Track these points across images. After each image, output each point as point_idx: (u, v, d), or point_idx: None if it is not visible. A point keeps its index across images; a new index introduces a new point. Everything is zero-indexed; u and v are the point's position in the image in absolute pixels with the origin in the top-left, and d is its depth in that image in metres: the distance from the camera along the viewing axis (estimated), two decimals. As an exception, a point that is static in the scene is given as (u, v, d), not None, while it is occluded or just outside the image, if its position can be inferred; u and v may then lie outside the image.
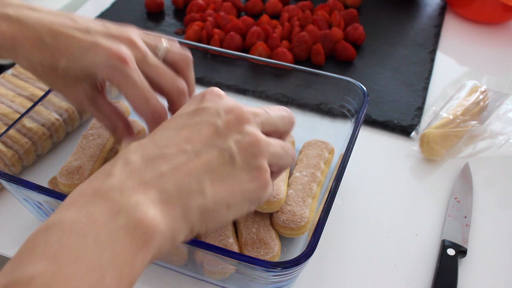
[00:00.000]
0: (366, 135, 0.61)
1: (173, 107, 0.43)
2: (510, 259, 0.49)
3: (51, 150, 0.56)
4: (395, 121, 0.62)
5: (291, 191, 0.47)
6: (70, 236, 0.27)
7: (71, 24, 0.41)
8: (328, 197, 0.41)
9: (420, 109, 0.64)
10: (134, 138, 0.44)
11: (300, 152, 0.52)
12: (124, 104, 0.56)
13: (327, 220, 0.40)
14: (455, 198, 0.53)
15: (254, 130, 0.35)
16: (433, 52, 0.75)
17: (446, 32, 0.80)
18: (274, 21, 0.76)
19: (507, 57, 0.76)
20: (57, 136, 0.56)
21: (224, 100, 0.37)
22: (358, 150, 0.49)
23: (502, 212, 0.53)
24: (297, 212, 0.45)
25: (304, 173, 0.49)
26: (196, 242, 0.38)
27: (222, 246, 0.43)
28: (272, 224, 0.46)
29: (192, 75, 0.45)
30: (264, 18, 0.76)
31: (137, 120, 0.55)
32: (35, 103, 0.51)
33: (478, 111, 0.60)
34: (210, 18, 0.75)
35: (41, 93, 0.58)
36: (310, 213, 0.46)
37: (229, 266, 0.41)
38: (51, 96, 0.53)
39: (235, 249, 0.43)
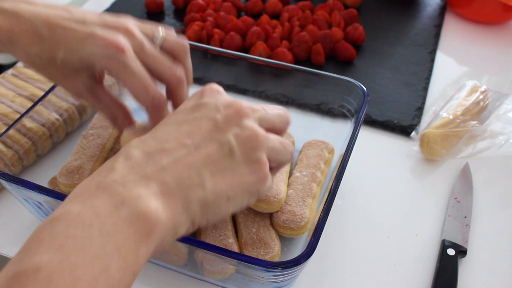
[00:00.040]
0: (366, 135, 0.61)
1: (172, 95, 0.43)
2: (510, 259, 0.49)
3: (51, 150, 0.56)
4: (395, 121, 0.62)
5: (291, 191, 0.47)
6: (75, 227, 0.28)
7: (67, 16, 0.41)
8: (328, 197, 0.41)
9: (420, 109, 0.64)
10: (135, 127, 0.44)
11: (300, 152, 0.52)
12: None
13: (327, 220, 0.40)
14: (455, 198, 0.53)
15: (252, 124, 0.36)
16: (433, 52, 0.75)
17: (446, 32, 0.80)
18: (274, 21, 0.76)
19: (507, 57, 0.76)
20: (57, 136, 0.56)
21: (223, 95, 0.38)
22: (358, 150, 0.49)
23: (502, 212, 0.53)
24: (297, 212, 0.45)
25: (304, 173, 0.49)
26: (196, 242, 0.38)
27: (222, 246, 0.43)
28: (272, 224, 0.46)
29: (189, 62, 0.45)
30: (264, 18, 0.76)
31: (137, 121, 0.55)
32: (35, 103, 0.51)
33: (478, 111, 0.60)
34: (210, 18, 0.75)
35: (41, 93, 0.58)
36: (310, 213, 0.45)
37: (229, 266, 0.41)
38: (51, 96, 0.53)
39: (235, 249, 0.43)
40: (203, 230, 0.45)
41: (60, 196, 0.41)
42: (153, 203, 0.30)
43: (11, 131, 0.50)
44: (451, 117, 0.59)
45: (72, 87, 0.43)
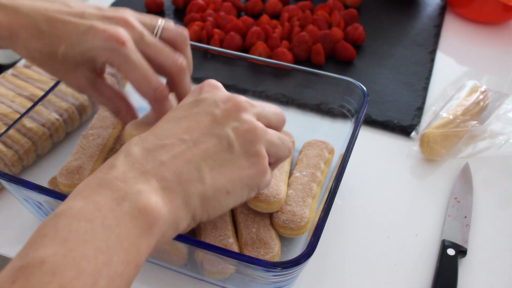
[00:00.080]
0: (366, 135, 0.61)
1: (175, 85, 0.43)
2: (510, 259, 0.49)
3: (51, 150, 0.56)
4: (395, 121, 0.62)
5: (291, 191, 0.47)
6: (78, 222, 0.28)
7: (66, 10, 0.42)
8: (328, 197, 0.41)
9: (420, 109, 0.64)
10: (138, 120, 0.44)
11: (300, 152, 0.52)
12: None
13: (327, 220, 0.40)
14: (455, 198, 0.53)
15: (251, 117, 0.36)
16: (433, 52, 0.75)
17: (446, 32, 0.80)
18: (274, 21, 0.76)
19: (507, 57, 0.76)
20: (57, 136, 0.56)
21: (221, 90, 0.38)
22: (358, 150, 0.49)
23: (502, 212, 0.53)
24: (297, 212, 0.45)
25: (304, 173, 0.49)
26: (196, 242, 0.38)
27: (222, 246, 0.43)
28: (272, 224, 0.46)
29: (189, 52, 0.46)
30: (264, 18, 0.76)
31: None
32: (35, 103, 0.51)
33: (478, 111, 0.60)
34: (210, 18, 0.75)
35: (41, 93, 0.58)
36: (310, 213, 0.45)
37: (229, 266, 0.41)
38: (51, 96, 0.53)
39: (235, 249, 0.43)
40: (203, 230, 0.45)
41: (60, 196, 0.41)
42: (154, 198, 0.31)
43: (11, 131, 0.50)
44: (451, 117, 0.59)
45: (73, 81, 0.44)
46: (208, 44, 0.72)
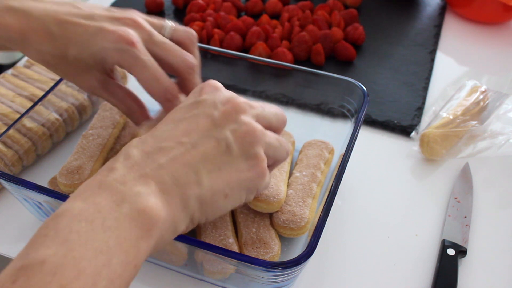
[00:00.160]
0: (366, 135, 0.61)
1: (184, 83, 0.43)
2: (510, 259, 0.49)
3: (51, 150, 0.56)
4: (395, 121, 0.62)
5: (291, 191, 0.47)
6: (79, 222, 0.28)
7: (76, 12, 0.42)
8: (328, 197, 0.41)
9: (420, 109, 0.64)
10: (151, 120, 0.44)
11: (300, 152, 0.52)
12: None
13: (327, 220, 0.40)
14: (455, 198, 0.53)
15: (250, 119, 0.36)
16: (433, 52, 0.75)
17: (446, 32, 0.80)
18: (274, 21, 0.76)
19: (507, 57, 0.76)
20: (57, 136, 0.56)
21: (221, 92, 0.38)
22: (358, 150, 0.49)
23: (502, 212, 0.53)
24: (297, 212, 0.45)
25: (304, 173, 0.49)
26: (196, 242, 0.38)
27: (222, 246, 0.43)
28: (272, 224, 0.46)
29: (197, 52, 0.46)
30: (264, 18, 0.76)
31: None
32: (35, 103, 0.51)
33: (478, 111, 0.60)
34: (210, 18, 0.75)
35: (41, 93, 0.58)
36: (310, 213, 0.45)
37: (229, 266, 0.41)
38: (51, 96, 0.53)
39: (235, 249, 0.43)
40: (203, 230, 0.45)
41: (60, 196, 0.41)
42: (152, 200, 0.31)
43: (11, 131, 0.50)
44: (451, 117, 0.59)
45: (85, 83, 0.44)
46: (208, 44, 0.72)
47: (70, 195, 0.32)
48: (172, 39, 0.44)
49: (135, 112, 0.45)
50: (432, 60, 0.73)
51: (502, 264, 0.48)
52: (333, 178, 0.44)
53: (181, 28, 0.45)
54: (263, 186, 0.37)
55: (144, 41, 0.41)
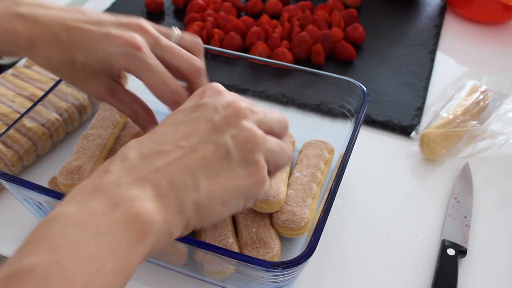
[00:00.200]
0: (366, 135, 0.61)
1: (192, 87, 0.43)
2: (510, 259, 0.49)
3: (51, 150, 0.56)
4: (395, 121, 0.62)
5: (291, 191, 0.47)
6: (70, 228, 0.28)
7: (83, 18, 0.42)
8: (328, 197, 0.41)
9: (420, 109, 0.64)
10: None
11: (300, 152, 0.52)
12: None
13: (327, 220, 0.40)
14: (455, 198, 0.53)
15: (251, 125, 0.35)
16: (433, 52, 0.75)
17: (446, 32, 0.80)
18: (274, 21, 0.76)
19: (507, 57, 0.76)
20: (57, 136, 0.56)
21: (223, 95, 0.37)
22: (358, 150, 0.49)
23: (502, 212, 0.53)
24: (297, 212, 0.45)
25: (304, 173, 0.49)
26: (196, 242, 0.38)
27: (222, 246, 0.43)
28: (272, 224, 0.46)
29: (203, 61, 0.46)
30: (264, 18, 0.76)
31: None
32: (35, 103, 0.51)
33: (478, 111, 0.60)
34: (210, 18, 0.75)
35: (41, 93, 0.58)
36: (310, 213, 0.45)
37: (229, 266, 0.41)
38: (51, 96, 0.53)
39: (235, 249, 0.43)
40: (203, 230, 0.45)
41: (60, 196, 0.41)
42: (148, 205, 0.30)
43: (11, 131, 0.50)
44: (451, 117, 0.59)
45: (92, 89, 0.44)
46: (208, 44, 0.72)
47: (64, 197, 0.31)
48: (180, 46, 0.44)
49: (141, 116, 0.45)
50: (432, 60, 0.73)
51: (502, 264, 0.48)
52: (333, 178, 0.44)
53: (187, 36, 0.45)
54: (262, 194, 0.36)
55: (151, 46, 0.41)
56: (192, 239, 0.38)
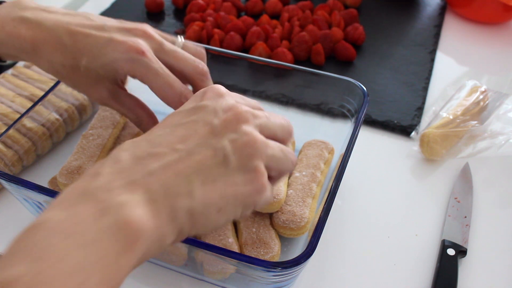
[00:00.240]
0: (366, 135, 0.61)
1: (197, 90, 0.43)
2: (510, 259, 0.49)
3: (51, 150, 0.56)
4: (395, 121, 0.62)
5: (291, 191, 0.47)
6: (55, 236, 0.26)
7: (87, 23, 0.42)
8: (328, 197, 0.41)
9: (420, 109, 0.64)
10: None
11: (300, 152, 0.52)
12: None
13: (327, 220, 0.40)
14: (455, 198, 0.53)
15: (251, 130, 0.33)
16: (433, 52, 0.75)
17: (446, 32, 0.80)
18: (274, 21, 0.76)
19: (507, 57, 0.76)
20: (57, 136, 0.56)
21: (224, 98, 0.35)
22: (358, 150, 0.49)
23: (502, 212, 0.53)
24: (297, 212, 0.45)
25: (304, 173, 0.49)
26: (196, 242, 0.38)
27: (222, 246, 0.43)
28: (272, 224, 0.46)
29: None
30: (264, 18, 0.76)
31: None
32: (35, 103, 0.51)
33: (478, 111, 0.60)
34: (210, 18, 0.75)
35: (41, 93, 0.58)
36: (310, 213, 0.45)
37: (229, 266, 0.41)
38: (51, 96, 0.53)
39: (235, 249, 0.43)
40: (203, 230, 0.45)
41: (60, 196, 0.41)
42: (138, 211, 0.28)
43: (11, 131, 0.50)
44: (451, 117, 0.59)
45: (96, 94, 0.44)
46: (208, 44, 0.72)
47: (51, 202, 0.29)
48: None
49: (144, 120, 0.45)
50: (432, 60, 0.73)
51: (502, 264, 0.48)
52: (333, 178, 0.44)
53: (191, 45, 0.45)
54: (262, 202, 0.34)
55: (155, 51, 0.41)
56: (192, 239, 0.38)
